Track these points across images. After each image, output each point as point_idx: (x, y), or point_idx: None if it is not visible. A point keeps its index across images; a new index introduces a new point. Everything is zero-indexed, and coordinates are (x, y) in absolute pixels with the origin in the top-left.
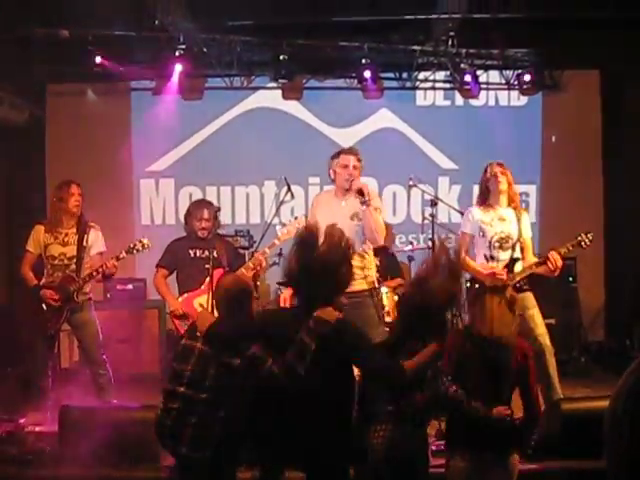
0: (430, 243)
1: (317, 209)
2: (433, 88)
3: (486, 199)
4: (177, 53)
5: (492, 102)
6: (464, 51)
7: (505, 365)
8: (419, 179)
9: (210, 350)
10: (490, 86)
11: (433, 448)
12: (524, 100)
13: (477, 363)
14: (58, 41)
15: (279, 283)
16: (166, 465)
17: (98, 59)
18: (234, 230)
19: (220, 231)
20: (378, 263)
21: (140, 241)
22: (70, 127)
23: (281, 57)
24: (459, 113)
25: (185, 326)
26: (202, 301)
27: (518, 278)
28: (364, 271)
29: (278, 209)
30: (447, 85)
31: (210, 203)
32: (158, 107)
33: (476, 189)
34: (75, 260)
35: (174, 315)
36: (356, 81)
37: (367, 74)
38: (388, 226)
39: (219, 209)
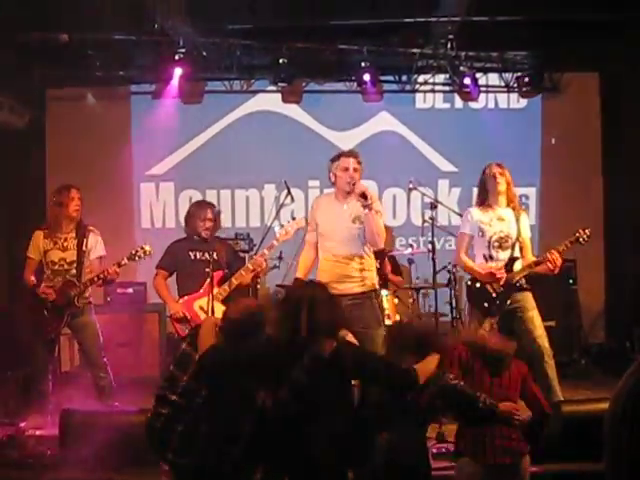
0: (430, 246)
1: (317, 212)
2: (433, 91)
3: (485, 199)
4: (177, 57)
5: (491, 105)
6: (463, 54)
7: (501, 379)
8: (419, 182)
9: (203, 369)
10: (489, 89)
11: (434, 451)
12: (523, 103)
13: (476, 377)
14: (58, 45)
15: (279, 286)
16: (167, 469)
17: None
18: (234, 233)
19: (220, 234)
20: (378, 266)
21: (142, 247)
22: (70, 131)
23: (281, 60)
24: (459, 116)
25: (186, 330)
26: (202, 304)
27: (517, 277)
28: (363, 273)
29: (278, 212)
30: (447, 88)
31: (212, 204)
32: (158, 111)
33: (476, 192)
34: (75, 265)
35: (174, 318)
36: (356, 84)
37: (367, 77)
38: (388, 229)
39: (220, 212)
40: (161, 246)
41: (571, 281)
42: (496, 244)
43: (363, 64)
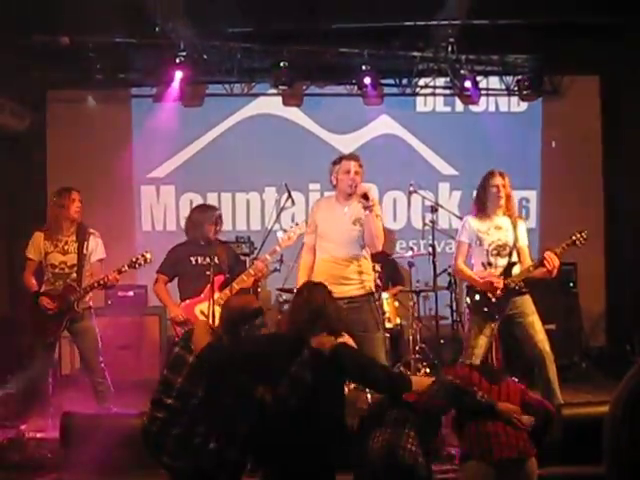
0: (430, 249)
1: (318, 214)
2: (433, 94)
3: (483, 209)
4: (177, 60)
5: (492, 108)
6: (464, 57)
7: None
8: (419, 185)
9: (200, 369)
10: (490, 92)
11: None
12: (524, 106)
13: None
14: (59, 48)
15: (279, 289)
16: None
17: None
18: (235, 236)
19: (220, 237)
20: (379, 269)
21: (142, 255)
22: (71, 134)
23: (281, 64)
24: (459, 119)
25: None
26: (203, 308)
27: (516, 281)
28: (362, 276)
29: (279, 215)
30: (447, 91)
31: (214, 206)
32: (159, 114)
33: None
34: (76, 269)
35: (175, 322)
36: (356, 87)
37: (367, 80)
38: (390, 232)
39: (221, 214)
40: (162, 249)
41: (571, 284)
42: (494, 252)
43: (364, 67)
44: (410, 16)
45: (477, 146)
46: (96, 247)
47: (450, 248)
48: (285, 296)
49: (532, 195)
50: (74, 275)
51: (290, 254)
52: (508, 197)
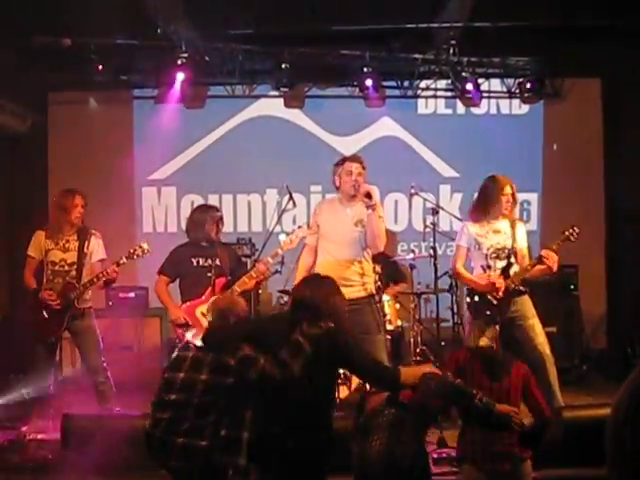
0: (431, 251)
1: (320, 216)
2: (435, 96)
3: (484, 215)
4: (179, 62)
5: (493, 110)
6: (465, 59)
7: (502, 383)
8: (420, 187)
9: (203, 355)
10: (491, 94)
11: (434, 456)
12: (525, 108)
13: (480, 376)
14: (60, 49)
15: (280, 291)
16: None
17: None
18: (236, 238)
19: (221, 239)
20: (379, 270)
21: (140, 246)
22: (72, 135)
23: (283, 65)
24: (460, 121)
25: (187, 334)
26: (204, 310)
27: (515, 281)
28: (363, 278)
29: (280, 217)
30: (448, 93)
31: (215, 206)
32: (160, 115)
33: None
34: (76, 267)
35: (176, 324)
36: (358, 89)
37: (369, 82)
38: (392, 234)
39: (222, 215)
40: (163, 250)
41: (572, 287)
42: (493, 255)
43: (365, 69)
44: (411, 18)
45: (478, 148)
46: (97, 247)
47: (451, 250)
48: (286, 298)
49: (533, 198)
50: (73, 273)
51: (291, 256)
52: (514, 205)
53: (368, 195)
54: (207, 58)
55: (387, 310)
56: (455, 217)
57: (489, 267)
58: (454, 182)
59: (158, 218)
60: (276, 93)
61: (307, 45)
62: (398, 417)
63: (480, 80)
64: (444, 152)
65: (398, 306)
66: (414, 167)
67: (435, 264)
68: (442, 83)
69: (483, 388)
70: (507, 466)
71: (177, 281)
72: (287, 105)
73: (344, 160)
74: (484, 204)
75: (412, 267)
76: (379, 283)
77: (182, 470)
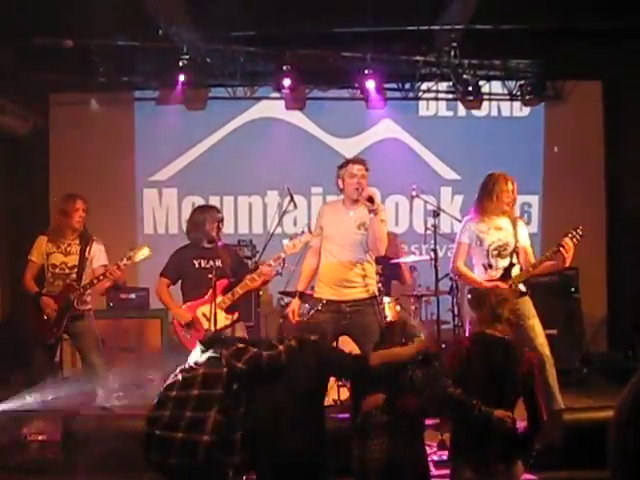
0: (432, 253)
1: (323, 219)
2: (436, 99)
3: (485, 212)
4: (180, 63)
5: (494, 113)
6: (466, 62)
7: (511, 372)
8: (422, 189)
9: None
10: (492, 97)
11: (435, 458)
12: (526, 111)
13: (482, 368)
14: (62, 51)
15: (281, 292)
16: None
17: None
18: (237, 240)
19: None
20: (380, 272)
21: (138, 248)
22: (73, 137)
23: (284, 67)
24: (462, 124)
25: (188, 336)
26: (205, 311)
27: (517, 282)
28: (365, 280)
29: (281, 219)
30: (450, 96)
31: (215, 207)
32: (161, 117)
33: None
34: (76, 270)
35: (181, 324)
36: (359, 91)
37: (370, 84)
38: (395, 236)
39: (222, 217)
40: (164, 252)
41: (573, 289)
42: (495, 252)
43: (366, 71)
44: (413, 20)
45: (479, 150)
46: (99, 253)
47: (452, 252)
48: (286, 299)
49: (534, 200)
50: (73, 276)
51: (292, 258)
52: (514, 202)
53: (370, 199)
54: (208, 60)
55: (388, 312)
56: (456, 219)
57: (490, 266)
58: (455, 184)
59: (159, 220)
60: (277, 95)
61: (308, 47)
62: (392, 421)
63: (481, 82)
64: (445, 154)
65: (399, 308)
66: (415, 169)
67: (436, 266)
68: (443, 85)
69: (484, 389)
70: (500, 467)
71: (179, 283)
72: (288, 107)
73: (347, 162)
74: (485, 200)
75: (413, 269)
76: (380, 285)
77: (181, 468)
